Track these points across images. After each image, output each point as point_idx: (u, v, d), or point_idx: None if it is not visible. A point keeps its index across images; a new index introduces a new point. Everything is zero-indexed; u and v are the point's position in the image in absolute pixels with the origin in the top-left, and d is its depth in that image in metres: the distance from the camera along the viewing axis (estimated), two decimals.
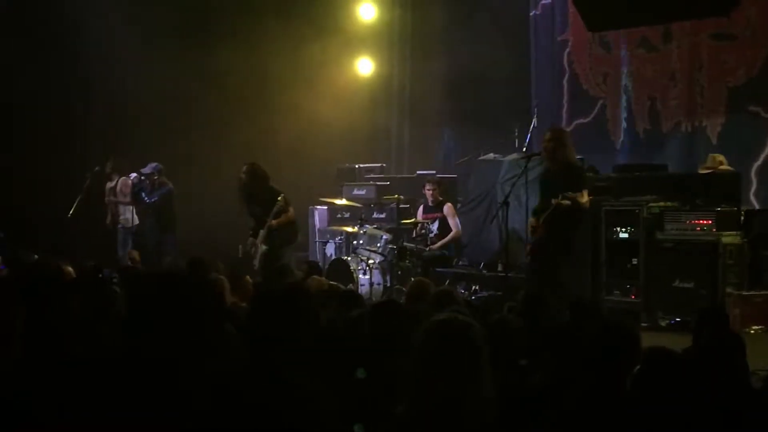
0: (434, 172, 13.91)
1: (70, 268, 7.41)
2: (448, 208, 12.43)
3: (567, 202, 8.85)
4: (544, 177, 9.50)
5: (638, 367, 3.73)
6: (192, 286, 3.29)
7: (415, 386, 3.29)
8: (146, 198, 12.90)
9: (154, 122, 13.87)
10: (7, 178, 13.51)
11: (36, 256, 8.36)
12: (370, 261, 12.11)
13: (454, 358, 3.24)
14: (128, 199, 13.00)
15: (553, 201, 8.86)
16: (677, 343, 8.07)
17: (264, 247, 10.81)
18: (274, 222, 10.81)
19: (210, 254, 9.05)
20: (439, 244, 12.25)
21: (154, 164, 12.97)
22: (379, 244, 12.34)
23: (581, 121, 14.48)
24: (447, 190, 12.75)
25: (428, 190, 12.48)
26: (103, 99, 14.00)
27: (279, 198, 10.79)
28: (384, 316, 4.10)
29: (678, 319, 9.69)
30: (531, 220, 9.33)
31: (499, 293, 11.01)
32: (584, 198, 9.06)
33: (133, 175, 12.90)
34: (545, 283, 8.74)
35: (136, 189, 12.86)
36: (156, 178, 12.99)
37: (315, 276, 7.73)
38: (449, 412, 3.19)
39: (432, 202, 12.47)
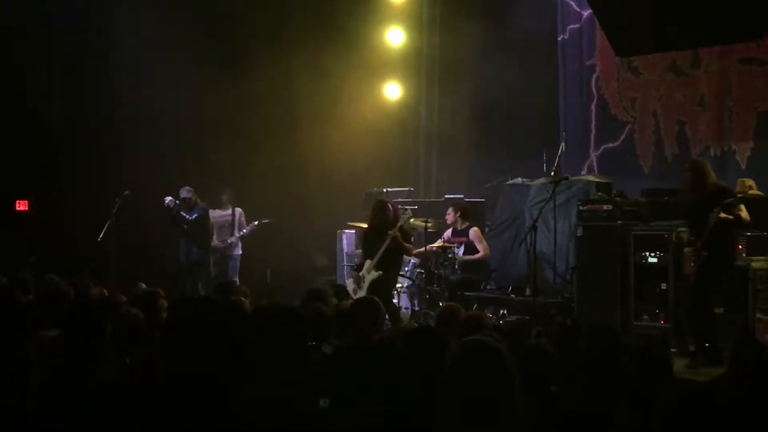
0: (462, 196, 13.92)
1: (104, 291, 7.49)
2: (473, 232, 12.44)
3: (729, 216, 8.76)
4: (691, 208, 9.32)
5: (668, 401, 3.71)
6: (225, 311, 3.33)
7: (447, 406, 3.32)
8: (187, 216, 13.02)
9: (185, 148, 13.96)
10: (40, 202, 13.69)
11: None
12: (398, 285, 12.12)
13: (487, 377, 3.27)
14: (245, 230, 13.39)
15: (712, 216, 8.73)
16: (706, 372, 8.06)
17: (376, 273, 10.88)
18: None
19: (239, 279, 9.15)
20: (466, 258, 12.25)
21: (186, 188, 13.08)
22: (407, 268, 12.35)
23: (609, 145, 14.47)
24: (470, 214, 12.72)
25: (448, 214, 12.51)
26: (133, 125, 14.11)
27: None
28: (418, 342, 4.11)
29: (707, 345, 9.62)
30: (687, 251, 9.18)
31: (527, 318, 11.00)
32: (744, 212, 8.96)
33: (168, 198, 13.01)
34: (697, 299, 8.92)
35: (174, 212, 12.97)
36: (191, 198, 13.11)
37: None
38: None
39: (453, 226, 12.49)
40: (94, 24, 13.81)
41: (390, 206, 11.20)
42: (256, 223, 13.42)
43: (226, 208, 13.53)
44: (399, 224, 10.88)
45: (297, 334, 3.40)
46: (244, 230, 13.40)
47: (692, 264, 9.04)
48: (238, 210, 13.53)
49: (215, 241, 13.44)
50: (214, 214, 13.49)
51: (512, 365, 3.36)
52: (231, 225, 13.42)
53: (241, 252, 13.50)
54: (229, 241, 13.37)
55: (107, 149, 14.05)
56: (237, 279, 12.90)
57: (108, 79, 13.89)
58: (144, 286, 8.01)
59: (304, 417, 2.97)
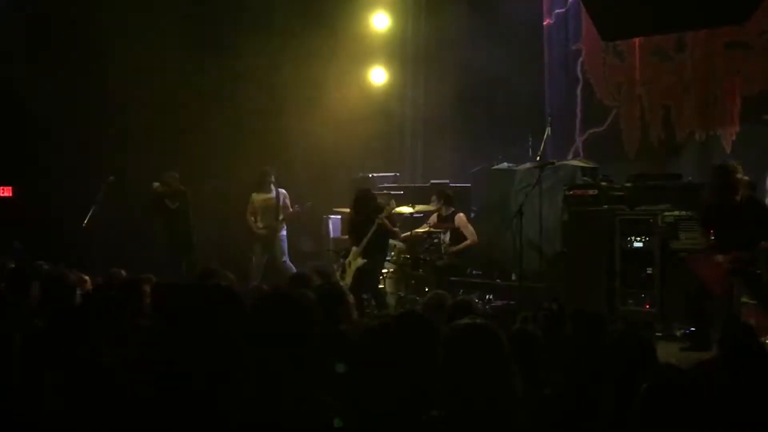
0: (447, 181, 13.91)
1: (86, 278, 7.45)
2: (459, 218, 12.43)
3: None
4: (720, 215, 9.18)
5: (646, 386, 3.71)
6: (210, 297, 3.30)
7: (445, 388, 3.33)
8: (170, 204, 13.02)
9: (170, 134, 13.93)
10: (25, 189, 13.62)
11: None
12: (384, 270, 12.11)
13: (484, 357, 3.28)
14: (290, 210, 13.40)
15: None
16: (692, 356, 8.09)
17: (362, 261, 10.90)
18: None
19: (223, 264, 9.14)
20: (456, 248, 12.26)
21: (171, 173, 13.08)
22: (392, 253, 12.34)
23: (595, 130, 14.46)
24: (453, 200, 12.70)
25: (432, 201, 12.51)
26: (118, 110, 14.05)
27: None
28: (407, 327, 4.11)
29: (693, 329, 9.66)
30: (720, 258, 9.01)
31: (513, 303, 11.02)
32: None
33: (156, 184, 13.02)
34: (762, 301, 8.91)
35: (158, 197, 12.98)
36: (172, 185, 13.09)
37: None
38: (486, 413, 3.22)
39: (438, 212, 12.49)
40: (81, 9, 13.72)
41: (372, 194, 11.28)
42: (298, 207, 13.40)
43: (269, 191, 13.40)
44: (385, 214, 10.93)
45: (293, 321, 3.38)
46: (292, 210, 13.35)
47: (725, 270, 9.01)
48: (282, 192, 13.41)
49: (260, 226, 13.37)
50: (258, 197, 13.40)
51: (508, 348, 3.38)
52: (276, 208, 13.33)
53: (285, 233, 13.45)
54: (274, 225, 13.31)
55: (92, 135, 14.00)
56: (286, 258, 13.21)
57: (93, 64, 13.85)
58: (123, 273, 7.96)
59: (301, 408, 2.96)
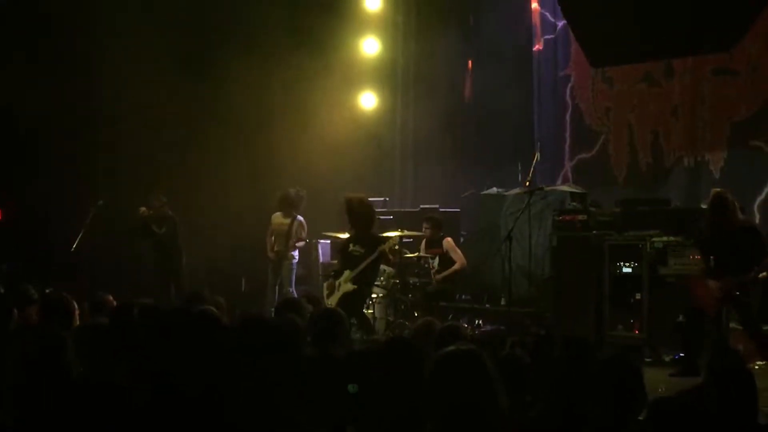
0: (437, 206, 13.93)
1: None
2: (446, 242, 12.44)
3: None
4: (716, 242, 9.23)
5: (645, 415, 3.73)
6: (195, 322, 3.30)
7: (432, 413, 3.34)
8: (157, 230, 13.02)
9: (160, 157, 13.94)
10: (13, 210, 13.58)
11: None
12: (373, 295, 12.08)
13: (470, 383, 3.29)
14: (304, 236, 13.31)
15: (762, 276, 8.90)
16: (681, 382, 8.08)
17: (352, 287, 10.83)
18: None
19: (211, 288, 9.14)
20: (443, 274, 12.26)
21: (159, 196, 13.09)
22: (382, 278, 12.32)
23: (584, 155, 14.52)
24: (442, 225, 12.69)
25: (425, 229, 12.50)
26: (108, 133, 14.07)
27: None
28: (396, 352, 4.13)
29: (681, 355, 9.67)
30: (712, 283, 9.07)
31: (502, 327, 11.01)
32: None
33: (143, 209, 13.02)
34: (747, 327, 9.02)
35: (144, 222, 12.97)
36: (159, 209, 13.09)
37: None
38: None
39: (428, 238, 12.49)
40: (70, 31, 13.73)
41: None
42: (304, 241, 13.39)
43: (288, 216, 13.21)
44: (388, 246, 10.86)
45: (276, 345, 3.39)
46: (298, 243, 13.22)
47: (716, 296, 9.06)
48: (299, 219, 13.22)
49: (269, 251, 13.25)
50: (276, 219, 13.27)
51: (493, 372, 3.39)
52: (287, 234, 13.14)
53: (294, 260, 13.27)
54: (279, 249, 13.16)
55: (82, 157, 13.99)
56: (292, 288, 13.02)
57: (83, 86, 13.84)
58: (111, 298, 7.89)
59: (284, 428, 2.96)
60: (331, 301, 10.57)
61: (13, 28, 13.54)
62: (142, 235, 13.12)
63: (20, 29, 13.58)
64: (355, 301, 10.66)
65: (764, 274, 8.90)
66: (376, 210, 14.27)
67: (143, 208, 13.05)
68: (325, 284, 11.26)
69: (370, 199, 14.68)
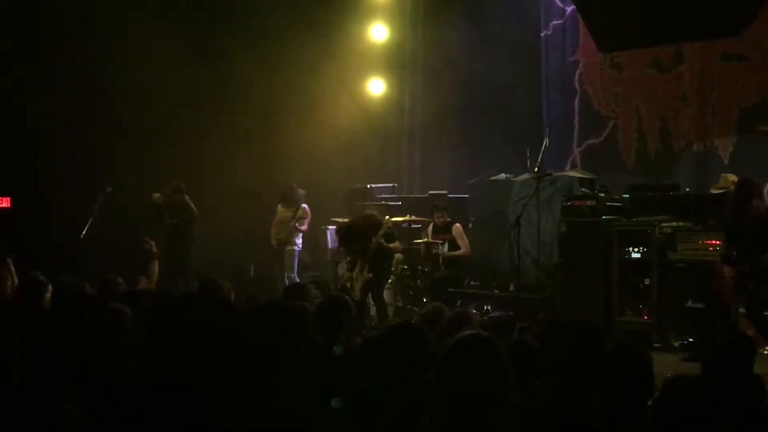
0: (446, 192, 13.92)
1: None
2: (456, 229, 12.46)
3: None
4: (739, 229, 9.11)
5: (656, 396, 3.72)
6: (209, 308, 3.31)
7: (438, 399, 3.33)
8: (168, 219, 13.08)
9: (167, 144, 13.96)
10: (21, 199, 13.60)
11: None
12: None
13: (482, 370, 3.29)
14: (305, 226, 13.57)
15: None
16: (693, 367, 8.08)
17: (368, 275, 11.05)
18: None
19: (220, 274, 9.12)
20: (450, 253, 12.28)
21: (178, 184, 13.15)
22: (391, 265, 12.33)
23: (593, 141, 14.49)
24: (452, 211, 12.75)
25: (437, 217, 12.52)
26: (115, 120, 14.06)
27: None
28: (402, 339, 4.13)
29: (690, 340, 9.67)
30: (726, 269, 8.99)
31: (511, 313, 11.02)
32: None
33: (156, 195, 13.07)
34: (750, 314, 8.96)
35: (158, 209, 13.03)
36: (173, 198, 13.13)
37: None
38: (475, 425, 3.22)
39: (441, 225, 12.53)
40: (73, 21, 13.71)
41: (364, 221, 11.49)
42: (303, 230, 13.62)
43: (292, 206, 13.53)
44: (381, 232, 11.04)
45: (284, 331, 3.38)
46: (300, 227, 13.48)
47: (729, 281, 9.01)
48: (303, 207, 13.51)
49: (272, 239, 13.59)
50: (280, 210, 13.67)
51: (508, 362, 3.38)
52: (286, 222, 13.48)
53: (299, 248, 13.57)
54: (281, 239, 13.47)
55: (90, 146, 13.98)
56: (293, 274, 13.35)
57: (91, 75, 13.82)
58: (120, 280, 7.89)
59: (292, 416, 2.96)
60: (355, 293, 10.84)
61: (18, 14, 13.52)
62: (152, 222, 13.11)
63: (25, 16, 13.57)
64: (375, 286, 11.20)
65: None
66: (385, 196, 14.39)
67: (157, 194, 13.10)
68: (344, 277, 11.46)
69: (378, 185, 14.81)
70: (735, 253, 9.10)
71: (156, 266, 9.85)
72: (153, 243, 9.57)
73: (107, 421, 3.45)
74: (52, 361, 4.05)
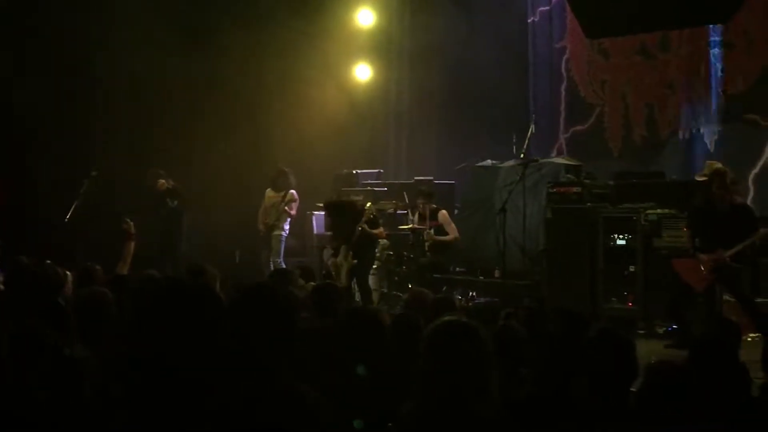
0: (431, 178, 13.91)
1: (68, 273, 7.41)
2: (442, 215, 12.43)
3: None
4: (712, 215, 9.19)
5: (641, 382, 3.73)
6: (200, 294, 3.29)
7: (422, 385, 3.33)
8: (170, 203, 13.09)
9: (154, 128, 13.91)
10: (6, 184, 13.53)
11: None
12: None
13: (463, 356, 3.29)
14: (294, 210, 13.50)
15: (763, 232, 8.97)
16: (675, 353, 8.11)
17: (353, 261, 11.10)
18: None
19: (206, 259, 9.12)
20: (438, 237, 12.26)
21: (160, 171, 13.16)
22: (376, 250, 12.33)
23: (579, 128, 14.51)
24: (436, 197, 12.71)
25: (419, 204, 12.49)
26: (102, 104, 14.02)
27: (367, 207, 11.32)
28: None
29: (675, 327, 9.70)
30: (702, 257, 9.07)
31: (496, 300, 11.04)
32: None
33: (162, 181, 13.08)
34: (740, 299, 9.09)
35: (162, 194, 13.04)
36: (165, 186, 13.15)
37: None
38: (455, 411, 3.22)
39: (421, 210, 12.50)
40: (66, 5, 13.64)
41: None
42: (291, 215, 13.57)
43: (280, 191, 13.44)
44: (364, 219, 11.09)
45: (278, 313, 3.37)
46: (289, 210, 13.42)
47: (708, 268, 9.07)
48: (291, 193, 13.41)
49: (260, 224, 13.52)
50: (269, 194, 13.54)
51: (488, 341, 3.38)
52: (277, 207, 13.39)
53: (285, 233, 13.47)
54: (268, 223, 13.40)
55: (75, 130, 13.93)
56: (278, 258, 13.25)
57: (77, 58, 13.75)
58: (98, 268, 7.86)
59: (285, 401, 2.95)
60: (342, 277, 10.87)
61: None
62: (156, 207, 13.10)
63: (16, 2, 13.49)
64: (361, 271, 11.29)
65: (764, 230, 8.92)
66: (371, 182, 14.39)
67: (162, 180, 13.09)
68: (329, 263, 11.48)
69: (364, 171, 14.79)
70: (702, 243, 9.15)
71: (131, 247, 9.77)
72: (132, 224, 9.50)
73: (96, 406, 3.45)
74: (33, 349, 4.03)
